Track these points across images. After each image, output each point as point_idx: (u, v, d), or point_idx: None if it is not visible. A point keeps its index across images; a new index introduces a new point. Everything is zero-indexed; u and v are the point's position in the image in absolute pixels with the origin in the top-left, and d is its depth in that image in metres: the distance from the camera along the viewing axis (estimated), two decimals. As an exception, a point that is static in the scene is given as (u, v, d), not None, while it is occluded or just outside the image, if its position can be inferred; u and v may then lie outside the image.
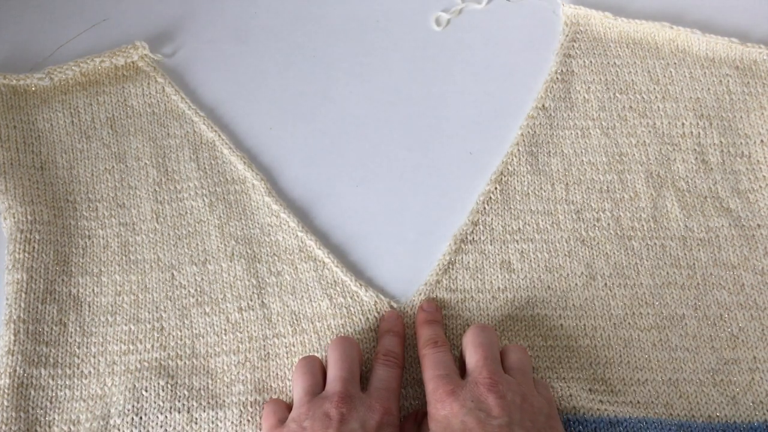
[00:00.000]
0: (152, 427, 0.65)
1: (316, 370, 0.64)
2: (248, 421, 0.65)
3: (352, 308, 0.70)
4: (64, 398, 0.67)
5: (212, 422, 0.66)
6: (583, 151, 0.77)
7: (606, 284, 0.71)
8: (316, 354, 0.67)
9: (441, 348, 0.64)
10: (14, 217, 0.73)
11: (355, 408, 0.59)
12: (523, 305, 0.70)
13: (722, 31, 0.82)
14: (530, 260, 0.72)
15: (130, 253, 0.73)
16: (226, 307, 0.70)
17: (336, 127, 0.81)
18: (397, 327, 0.68)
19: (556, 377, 0.66)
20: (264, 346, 0.69)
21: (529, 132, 0.78)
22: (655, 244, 0.73)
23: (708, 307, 0.70)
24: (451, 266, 0.72)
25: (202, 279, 0.72)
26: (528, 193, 0.75)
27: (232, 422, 0.65)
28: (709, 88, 0.80)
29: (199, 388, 0.67)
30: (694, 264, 0.72)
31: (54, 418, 0.66)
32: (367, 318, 0.70)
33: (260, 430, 0.65)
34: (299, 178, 0.78)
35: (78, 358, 0.68)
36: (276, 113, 0.82)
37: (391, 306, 0.70)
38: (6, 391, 0.65)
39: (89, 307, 0.71)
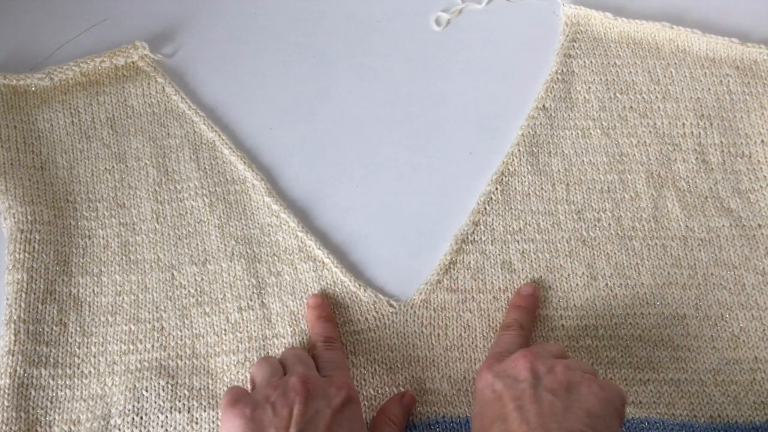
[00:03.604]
0: (153, 427, 0.65)
1: (276, 364, 0.64)
2: (249, 421, 0.65)
3: (351, 308, 0.70)
4: (65, 398, 0.67)
5: (213, 422, 0.66)
6: (584, 151, 0.77)
7: (607, 284, 0.71)
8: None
9: (510, 331, 0.66)
10: (14, 217, 0.73)
11: (320, 386, 0.60)
12: (524, 305, 0.70)
13: (722, 31, 0.82)
14: (531, 260, 0.72)
15: (130, 253, 0.73)
16: (226, 307, 0.70)
17: (336, 127, 0.81)
18: (326, 312, 0.69)
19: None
20: (264, 346, 0.69)
21: (529, 132, 0.78)
22: (656, 244, 0.72)
23: (709, 307, 0.70)
24: (452, 266, 0.72)
25: (202, 279, 0.72)
26: (529, 194, 0.75)
27: (233, 422, 0.65)
28: (709, 88, 0.80)
29: (200, 388, 0.67)
30: (695, 264, 0.72)
31: (54, 418, 0.66)
32: (366, 318, 0.70)
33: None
34: (299, 178, 0.78)
35: (78, 358, 0.68)
36: (276, 113, 0.82)
37: (390, 305, 0.70)
38: (6, 391, 0.66)
39: (89, 307, 0.70)
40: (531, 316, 0.69)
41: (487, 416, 0.57)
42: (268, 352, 0.69)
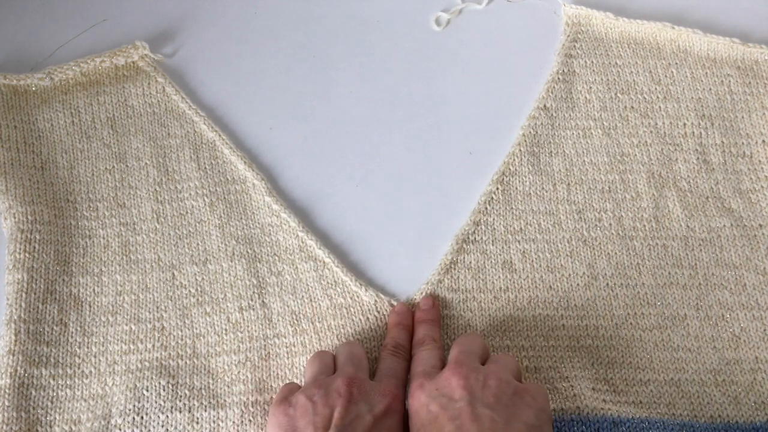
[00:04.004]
0: (153, 427, 0.65)
1: (329, 360, 0.64)
2: (249, 421, 0.65)
3: (352, 308, 0.70)
4: (65, 398, 0.66)
5: (213, 422, 0.66)
6: (585, 151, 0.77)
7: (608, 284, 0.71)
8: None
9: (426, 346, 0.65)
10: (15, 217, 0.73)
11: (365, 391, 0.60)
12: (525, 305, 0.70)
13: (723, 31, 0.82)
14: (532, 260, 0.72)
15: (130, 253, 0.73)
16: (227, 306, 0.70)
17: (336, 127, 0.81)
18: (407, 320, 0.68)
19: (559, 377, 0.66)
20: (264, 346, 0.69)
21: (530, 132, 0.78)
22: (657, 244, 0.72)
23: (710, 308, 0.70)
24: (453, 266, 0.72)
25: (203, 279, 0.72)
26: (530, 193, 0.75)
27: (234, 422, 0.65)
28: (710, 89, 0.80)
29: (200, 388, 0.67)
30: (695, 264, 0.72)
31: (55, 418, 0.66)
32: (368, 318, 0.70)
33: (262, 429, 0.65)
34: (299, 178, 0.78)
35: (79, 357, 0.68)
36: (276, 113, 0.82)
37: (391, 305, 0.70)
38: (7, 391, 0.65)
39: (90, 306, 0.70)
40: (438, 327, 0.68)
41: None
42: (269, 353, 0.68)
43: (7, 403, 0.65)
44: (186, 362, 0.68)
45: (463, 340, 0.65)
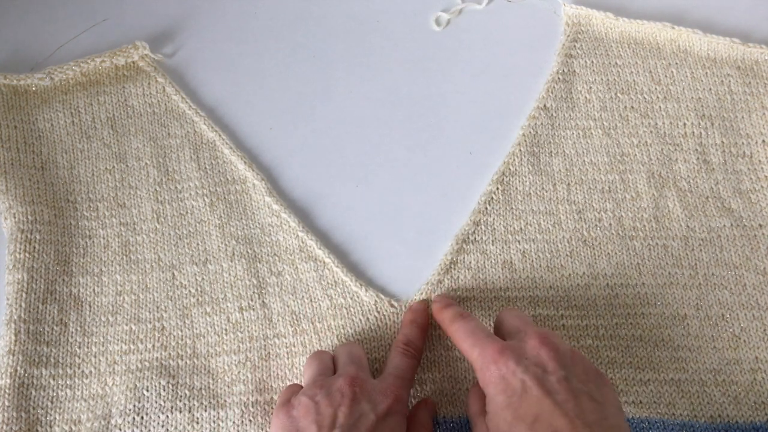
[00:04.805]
0: (153, 427, 0.65)
1: (327, 361, 0.64)
2: (250, 421, 0.65)
3: (352, 308, 0.70)
4: (65, 398, 0.66)
5: (213, 422, 0.66)
6: (585, 151, 0.77)
7: (608, 284, 0.71)
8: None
9: (469, 318, 0.63)
10: (15, 217, 0.73)
11: (368, 390, 0.59)
12: (525, 305, 0.70)
13: (724, 31, 0.82)
14: (532, 260, 0.72)
15: (130, 253, 0.73)
16: (227, 307, 0.70)
17: (336, 127, 0.81)
18: (422, 318, 0.68)
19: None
20: (264, 346, 0.69)
21: (530, 132, 0.78)
22: (657, 244, 0.73)
23: (710, 307, 0.70)
24: (453, 266, 0.72)
25: (203, 279, 0.72)
26: (530, 193, 0.75)
27: (234, 422, 0.65)
28: (710, 89, 0.80)
29: (201, 388, 0.67)
30: (695, 264, 0.72)
31: (55, 418, 0.66)
32: (368, 318, 0.70)
33: (262, 429, 0.65)
34: (299, 178, 0.78)
35: (79, 357, 0.68)
36: (276, 113, 0.82)
37: (391, 305, 0.70)
38: (7, 391, 0.65)
39: (90, 306, 0.70)
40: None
41: (519, 409, 0.53)
42: (269, 353, 0.68)
43: (7, 403, 0.65)
44: (186, 362, 0.68)
45: (513, 311, 0.63)
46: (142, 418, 0.65)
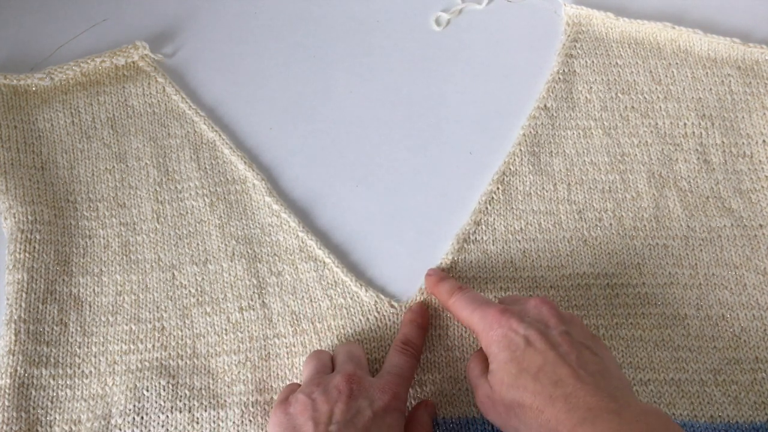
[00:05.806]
0: (153, 427, 0.65)
1: (326, 359, 0.64)
2: (250, 421, 0.65)
3: (352, 308, 0.70)
4: (65, 398, 0.66)
5: (214, 422, 0.66)
6: (585, 151, 0.77)
7: (608, 284, 0.71)
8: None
9: (466, 289, 0.64)
10: (15, 217, 0.72)
11: (365, 387, 0.59)
12: (526, 305, 0.70)
13: (724, 31, 0.82)
14: (533, 260, 0.72)
15: (130, 253, 0.73)
16: (227, 307, 0.70)
17: (336, 127, 0.81)
18: (422, 318, 0.68)
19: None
20: (264, 346, 0.69)
21: (531, 132, 0.78)
22: (657, 244, 0.72)
23: (710, 307, 0.70)
24: (453, 266, 0.72)
25: (203, 279, 0.72)
26: (530, 193, 0.75)
27: (234, 422, 0.65)
28: (711, 89, 0.80)
29: (200, 388, 0.67)
30: (696, 264, 0.72)
31: (55, 418, 0.66)
32: (368, 318, 0.70)
33: (262, 429, 0.65)
34: (299, 178, 0.78)
35: (79, 357, 0.68)
36: (276, 113, 0.82)
37: (391, 305, 0.70)
38: (7, 391, 0.65)
39: (90, 306, 0.70)
40: None
41: (523, 362, 0.55)
42: (269, 353, 0.68)
43: (7, 403, 0.65)
44: (186, 362, 0.68)
45: (513, 295, 0.65)
46: (142, 418, 0.65)
